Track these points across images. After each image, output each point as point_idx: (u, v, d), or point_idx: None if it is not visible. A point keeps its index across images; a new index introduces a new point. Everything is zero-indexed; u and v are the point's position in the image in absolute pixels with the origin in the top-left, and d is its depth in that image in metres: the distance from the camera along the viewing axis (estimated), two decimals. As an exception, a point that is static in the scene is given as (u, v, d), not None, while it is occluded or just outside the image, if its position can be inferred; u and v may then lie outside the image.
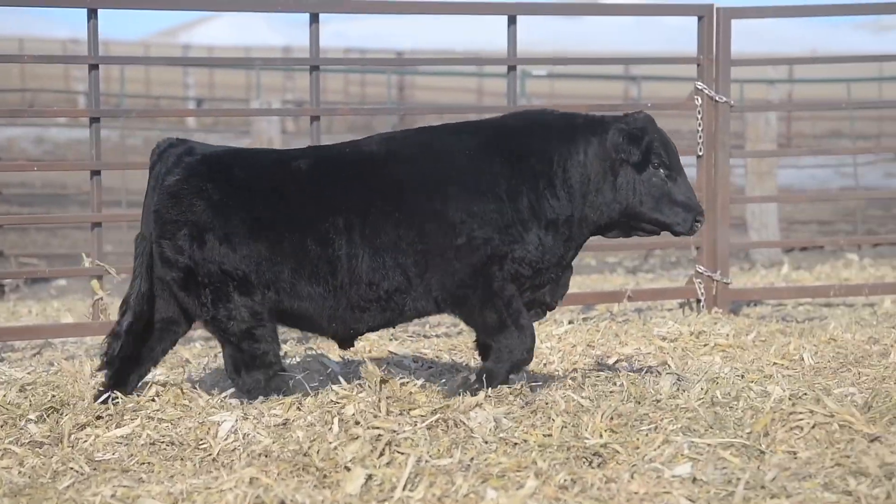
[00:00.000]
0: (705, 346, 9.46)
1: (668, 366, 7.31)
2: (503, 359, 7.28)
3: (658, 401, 7.12)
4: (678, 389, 7.23)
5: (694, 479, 6.02)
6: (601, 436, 6.69)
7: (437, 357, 9.04)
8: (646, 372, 8.13)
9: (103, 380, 7.51)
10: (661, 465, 6.18)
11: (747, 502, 5.78)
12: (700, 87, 10.90)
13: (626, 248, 14.55)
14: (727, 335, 9.83)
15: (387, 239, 7.21)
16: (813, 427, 6.57)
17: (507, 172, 7.27)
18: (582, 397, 7.24)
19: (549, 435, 6.75)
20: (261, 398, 7.27)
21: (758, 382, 7.62)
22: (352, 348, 7.69)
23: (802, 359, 8.83)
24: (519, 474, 6.18)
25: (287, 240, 7.22)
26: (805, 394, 7.34)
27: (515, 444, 6.67)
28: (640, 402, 7.12)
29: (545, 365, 8.85)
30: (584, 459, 6.44)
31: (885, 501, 5.70)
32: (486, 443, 6.67)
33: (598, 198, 7.29)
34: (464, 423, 6.88)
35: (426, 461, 6.38)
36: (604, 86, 38.87)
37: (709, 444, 6.46)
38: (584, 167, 7.28)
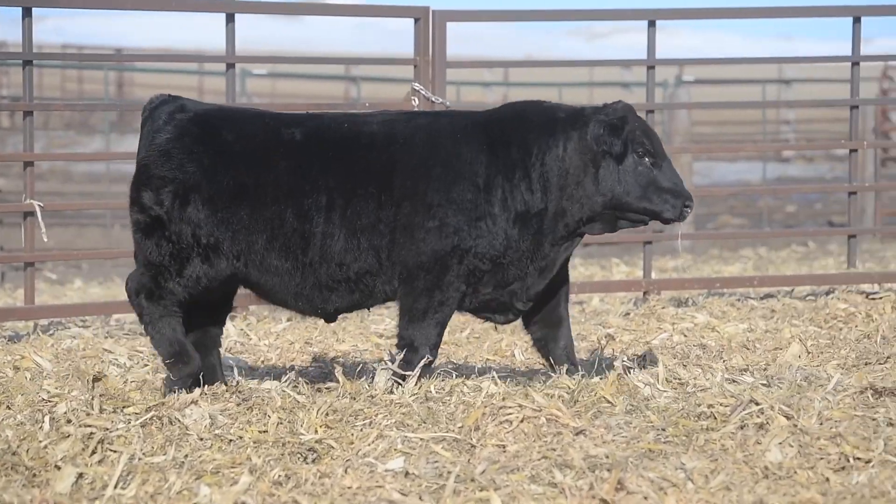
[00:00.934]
0: (421, 342, 9.61)
1: (384, 362, 7.40)
2: (413, 350, 7.35)
3: (373, 396, 7.22)
4: (393, 385, 7.34)
5: (406, 473, 6.13)
6: (316, 431, 6.74)
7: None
8: (361, 368, 8.23)
9: None
10: (374, 460, 6.27)
11: (457, 495, 5.90)
12: (417, 88, 11.05)
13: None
14: (442, 332, 10.00)
15: (366, 221, 7.20)
16: (522, 421, 6.75)
17: (486, 160, 7.25)
18: (298, 394, 7.28)
19: (265, 431, 6.77)
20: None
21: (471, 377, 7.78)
22: (333, 322, 7.63)
23: (514, 355, 9.06)
24: (233, 470, 6.19)
25: (268, 208, 7.20)
26: (515, 389, 7.53)
27: (231, 440, 6.66)
28: (355, 398, 7.20)
29: (263, 362, 8.86)
30: (299, 455, 6.48)
31: (588, 492, 5.90)
32: (201, 440, 6.65)
33: (577, 191, 7.24)
34: (178, 421, 6.84)
35: (139, 458, 6.33)
36: (324, 86, 38.94)
37: (421, 439, 6.58)
38: (562, 161, 7.24)
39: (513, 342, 9.49)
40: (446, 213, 7.21)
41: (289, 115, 7.50)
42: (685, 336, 9.94)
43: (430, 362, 7.39)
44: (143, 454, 6.41)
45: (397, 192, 7.21)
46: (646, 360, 8.14)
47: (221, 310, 7.60)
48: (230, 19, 10.76)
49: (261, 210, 7.20)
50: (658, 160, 7.25)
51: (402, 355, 7.36)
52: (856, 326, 10.01)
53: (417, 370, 7.31)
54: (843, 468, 6.20)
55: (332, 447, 6.55)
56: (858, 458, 6.25)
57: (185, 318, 7.38)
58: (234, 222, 7.22)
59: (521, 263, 7.33)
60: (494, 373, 7.83)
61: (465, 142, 7.27)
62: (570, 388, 7.32)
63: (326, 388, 7.46)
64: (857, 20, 11.65)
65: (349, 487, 5.98)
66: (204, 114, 7.42)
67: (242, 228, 7.21)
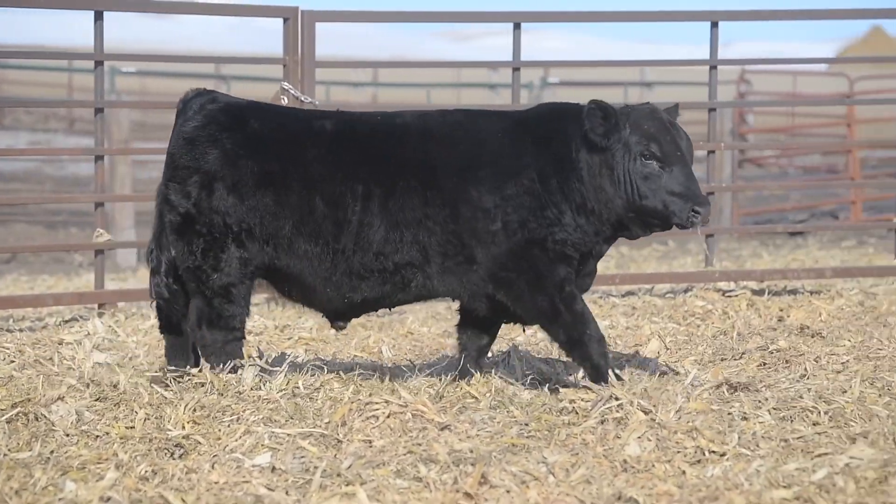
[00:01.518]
0: (290, 339, 9.69)
1: (252, 358, 7.46)
2: (584, 355, 7.24)
3: (241, 392, 7.27)
4: (261, 381, 7.40)
5: (273, 468, 6.20)
6: (184, 427, 6.78)
7: (20, 351, 8.92)
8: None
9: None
10: (241, 455, 6.33)
11: (323, 490, 5.99)
12: (286, 88, 11.10)
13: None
14: (310, 329, 10.09)
15: (411, 215, 7.17)
16: (388, 416, 6.85)
17: (534, 156, 7.22)
18: (166, 389, 7.31)
19: (132, 427, 6.80)
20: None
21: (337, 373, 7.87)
22: (343, 329, 7.64)
23: (381, 351, 9.16)
24: (99, 466, 6.22)
25: (295, 195, 7.20)
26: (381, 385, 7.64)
27: (97, 436, 6.69)
28: (222, 394, 7.25)
29: (130, 359, 8.86)
30: (165, 451, 6.52)
31: (452, 486, 6.02)
32: (68, 436, 6.67)
33: (601, 194, 7.21)
34: (45, 417, 6.84)
35: (4, 455, 6.33)
36: (194, 84, 38.66)
37: (288, 434, 6.65)
38: (589, 158, 7.21)
39: (380, 339, 9.60)
40: (506, 211, 7.19)
41: (319, 110, 7.63)
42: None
43: (603, 346, 7.29)
44: (9, 450, 6.41)
45: (447, 192, 7.21)
46: (510, 357, 8.30)
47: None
48: (98, 17, 10.72)
49: (291, 196, 7.21)
50: (668, 163, 7.15)
51: (575, 357, 7.31)
52: (712, 323, 10.26)
53: (601, 359, 7.25)
54: (699, 461, 6.40)
55: (200, 443, 6.60)
56: (714, 451, 6.46)
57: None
58: (262, 209, 7.23)
59: (591, 256, 7.35)
60: (361, 369, 7.93)
61: (510, 140, 7.27)
62: (435, 384, 7.45)
63: (194, 385, 7.49)
64: (714, 25, 11.92)
65: (216, 482, 6.04)
66: (234, 104, 7.47)
67: (271, 214, 7.22)
